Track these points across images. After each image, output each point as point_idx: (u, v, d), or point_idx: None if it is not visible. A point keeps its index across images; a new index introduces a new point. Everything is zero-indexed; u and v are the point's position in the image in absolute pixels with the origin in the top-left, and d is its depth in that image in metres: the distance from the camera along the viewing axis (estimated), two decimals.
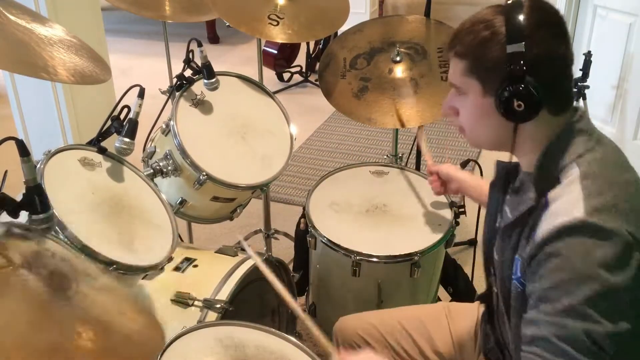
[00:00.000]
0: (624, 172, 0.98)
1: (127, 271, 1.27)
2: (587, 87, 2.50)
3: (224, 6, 1.97)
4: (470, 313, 1.40)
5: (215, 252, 1.69)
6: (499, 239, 1.12)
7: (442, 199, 1.78)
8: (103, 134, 1.51)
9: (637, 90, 2.96)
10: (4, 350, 0.66)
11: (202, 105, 1.78)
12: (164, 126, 1.73)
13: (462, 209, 1.75)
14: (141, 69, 4.97)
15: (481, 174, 2.04)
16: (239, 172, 1.74)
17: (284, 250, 2.39)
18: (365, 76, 1.94)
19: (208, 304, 1.44)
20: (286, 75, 4.59)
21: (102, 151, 1.48)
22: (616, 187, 0.94)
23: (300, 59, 4.61)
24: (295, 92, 4.50)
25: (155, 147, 1.81)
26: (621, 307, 0.89)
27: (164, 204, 1.51)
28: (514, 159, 1.09)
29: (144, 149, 1.86)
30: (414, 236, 1.66)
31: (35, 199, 1.01)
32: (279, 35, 1.95)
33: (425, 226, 1.71)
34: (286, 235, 2.36)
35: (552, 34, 0.99)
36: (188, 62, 1.77)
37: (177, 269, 1.57)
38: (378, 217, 1.74)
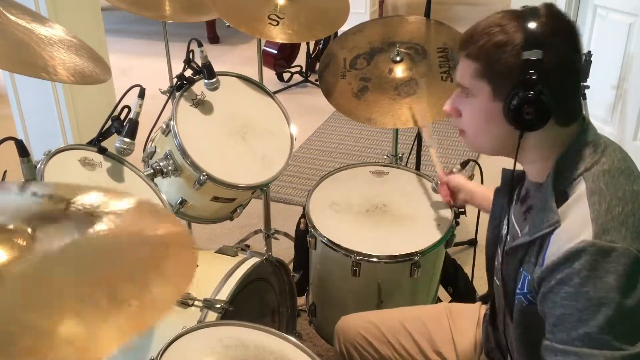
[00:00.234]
0: (632, 183, 0.96)
1: None
2: (587, 87, 2.49)
3: (224, 6, 1.97)
4: (471, 314, 1.40)
5: (215, 252, 1.69)
6: (503, 250, 1.10)
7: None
8: (103, 134, 1.51)
9: (637, 90, 2.96)
10: None
11: (203, 106, 1.78)
12: (164, 126, 1.72)
13: (462, 209, 1.76)
14: (141, 69, 4.97)
15: (481, 174, 2.04)
16: (239, 172, 1.73)
17: (284, 250, 2.39)
18: (365, 76, 1.94)
19: (208, 304, 1.44)
20: (286, 75, 4.58)
21: (103, 151, 1.48)
22: (624, 201, 0.93)
23: (300, 59, 4.61)
24: (295, 92, 4.50)
25: (155, 147, 1.81)
26: (638, 327, 0.88)
27: (164, 204, 1.51)
28: (518, 166, 1.08)
29: (144, 149, 1.86)
30: (414, 236, 1.66)
31: None
32: (279, 35, 1.95)
33: (425, 226, 1.70)
34: (286, 235, 2.36)
35: (568, 43, 0.98)
36: (188, 62, 1.77)
37: None
38: (378, 217, 1.74)
